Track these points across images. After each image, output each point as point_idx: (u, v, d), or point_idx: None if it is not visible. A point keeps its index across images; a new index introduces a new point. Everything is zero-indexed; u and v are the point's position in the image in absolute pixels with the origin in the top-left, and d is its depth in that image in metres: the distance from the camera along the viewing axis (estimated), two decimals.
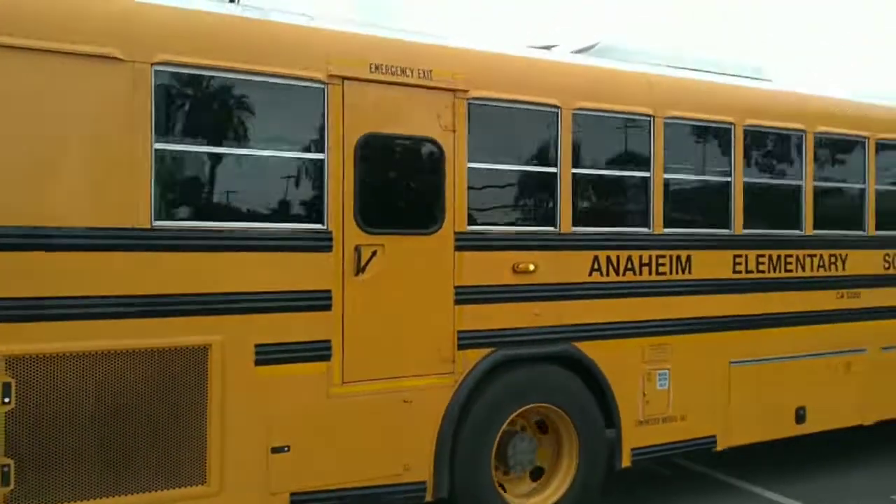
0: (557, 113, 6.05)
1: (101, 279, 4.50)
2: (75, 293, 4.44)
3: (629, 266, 6.37)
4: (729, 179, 6.94)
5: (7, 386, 4.24)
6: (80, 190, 4.52)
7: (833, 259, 7.63)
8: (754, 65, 7.81)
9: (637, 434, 6.36)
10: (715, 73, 7.25)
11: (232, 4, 5.31)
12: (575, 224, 6.12)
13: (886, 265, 8.05)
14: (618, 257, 6.31)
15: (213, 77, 4.88)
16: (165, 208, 4.73)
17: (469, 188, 5.68)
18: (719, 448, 6.83)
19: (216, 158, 4.96)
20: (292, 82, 5.10)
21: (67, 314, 4.42)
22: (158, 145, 4.67)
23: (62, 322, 4.40)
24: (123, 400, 4.55)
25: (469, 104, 5.69)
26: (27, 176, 4.38)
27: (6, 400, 4.24)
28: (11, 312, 4.29)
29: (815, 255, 7.49)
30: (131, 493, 4.55)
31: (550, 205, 6.07)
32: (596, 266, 6.22)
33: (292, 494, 5.02)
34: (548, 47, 6.80)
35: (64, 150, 4.49)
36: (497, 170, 5.92)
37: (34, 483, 4.31)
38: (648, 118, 6.49)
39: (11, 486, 4.25)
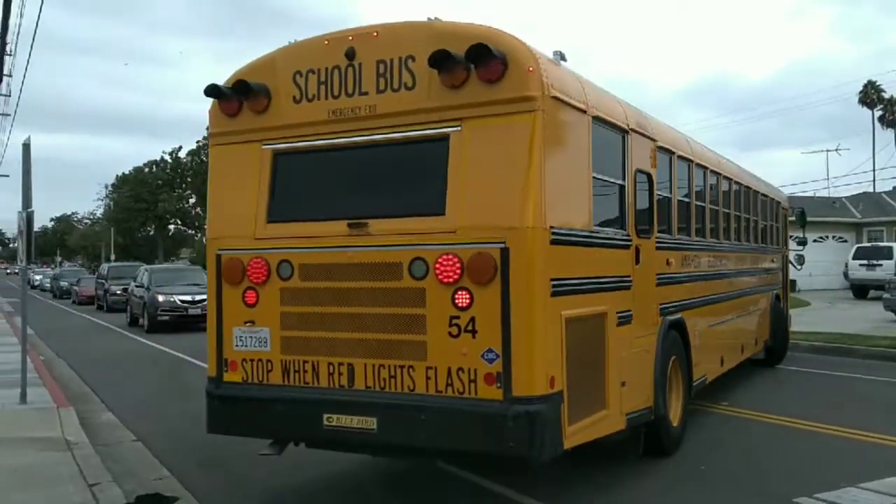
0: (671, 157, 9.02)
1: (595, 266, 6.55)
2: (578, 275, 6.39)
3: (685, 262, 9.56)
4: (704, 205, 10.51)
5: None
6: (580, 203, 6.46)
7: (725, 260, 11.65)
8: None
9: (693, 372, 9.54)
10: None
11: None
12: (678, 233, 9.15)
13: (739, 263, 12.36)
14: (685, 256, 9.46)
15: (602, 126, 7.03)
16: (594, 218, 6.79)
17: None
18: (707, 382, 10.31)
19: (597, 183, 7.07)
20: (618, 133, 7.40)
21: (579, 290, 6.38)
22: (593, 174, 6.74)
23: (577, 295, 6.34)
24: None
25: (656, 149, 8.40)
26: (557, 190, 6.20)
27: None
28: (568, 289, 6.14)
29: (722, 257, 11.42)
30: (583, 418, 6.52)
31: (669, 219, 9.00)
32: (684, 262, 9.31)
33: (627, 414, 7.31)
34: None
35: (573, 173, 6.40)
36: (660, 195, 8.68)
37: (572, 404, 6.15)
38: (689, 162, 9.77)
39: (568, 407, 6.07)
